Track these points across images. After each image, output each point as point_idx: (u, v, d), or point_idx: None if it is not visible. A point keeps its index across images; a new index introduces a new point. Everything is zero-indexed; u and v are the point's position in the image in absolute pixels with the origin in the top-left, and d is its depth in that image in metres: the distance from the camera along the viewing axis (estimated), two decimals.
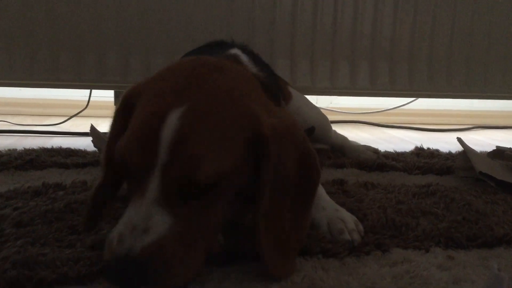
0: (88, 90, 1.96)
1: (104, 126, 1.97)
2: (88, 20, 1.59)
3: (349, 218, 0.81)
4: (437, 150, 1.57)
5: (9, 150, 1.37)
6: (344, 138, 1.55)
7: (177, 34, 1.61)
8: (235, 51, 1.03)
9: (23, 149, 1.38)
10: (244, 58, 1.00)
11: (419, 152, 1.55)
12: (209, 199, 0.62)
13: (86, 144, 1.53)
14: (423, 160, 1.40)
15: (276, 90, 1.04)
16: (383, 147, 1.63)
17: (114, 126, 0.71)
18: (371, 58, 1.73)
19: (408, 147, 1.67)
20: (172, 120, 0.60)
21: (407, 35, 1.73)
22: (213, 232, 0.65)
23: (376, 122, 2.39)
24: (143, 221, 0.57)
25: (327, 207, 0.83)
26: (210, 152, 0.60)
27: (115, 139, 0.66)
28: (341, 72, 1.73)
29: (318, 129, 1.39)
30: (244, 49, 1.07)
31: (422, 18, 1.73)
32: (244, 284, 0.65)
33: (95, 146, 1.23)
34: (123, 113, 0.69)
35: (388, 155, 1.49)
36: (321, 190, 0.89)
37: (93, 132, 1.24)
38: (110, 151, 0.69)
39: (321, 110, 1.53)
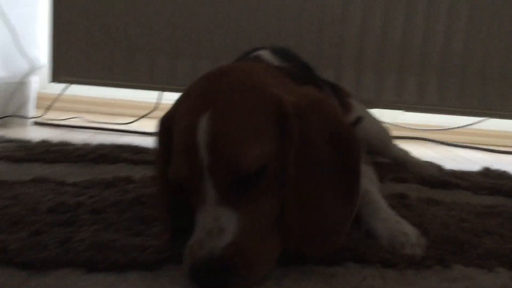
0: (158, 93, 2.05)
1: None
2: (162, 28, 1.67)
3: (411, 232, 0.80)
4: (505, 172, 1.51)
5: (84, 144, 1.46)
6: (406, 153, 1.53)
7: (245, 41, 1.66)
8: (259, 52, 1.08)
9: (97, 144, 1.46)
10: (266, 56, 1.04)
11: (486, 172, 1.50)
12: (260, 188, 0.64)
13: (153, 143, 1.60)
14: (490, 181, 1.36)
15: (307, 79, 1.00)
16: (448, 166, 1.59)
17: (160, 152, 0.75)
18: (441, 73, 1.69)
19: (474, 167, 1.62)
20: (203, 125, 0.64)
21: (480, 51, 1.68)
22: (274, 223, 0.66)
23: (442, 140, 2.33)
24: (214, 223, 0.62)
25: (388, 219, 0.83)
26: (245, 141, 0.63)
27: (163, 165, 0.72)
28: (408, 87, 1.71)
29: (378, 142, 1.38)
30: (274, 50, 1.10)
31: (496, 34, 1.67)
32: (303, 284, 0.66)
33: None
34: (163, 138, 0.74)
35: (453, 173, 1.45)
36: (382, 201, 0.89)
37: None
38: (163, 176, 0.72)
39: (385, 125, 1.52)
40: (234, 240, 0.60)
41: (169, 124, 0.73)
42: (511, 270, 0.76)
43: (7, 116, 1.90)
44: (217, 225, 0.61)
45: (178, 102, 0.74)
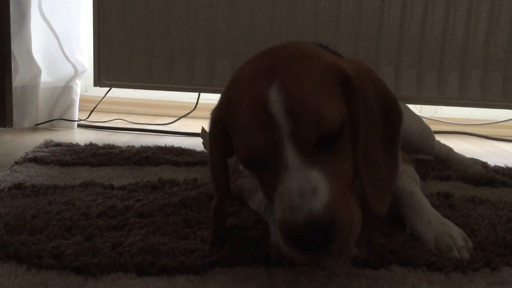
0: (197, 93, 2.08)
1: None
2: (201, 30, 1.70)
3: (458, 234, 0.79)
4: None
5: (128, 146, 1.50)
6: (449, 150, 1.50)
7: (284, 40, 1.66)
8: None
9: (140, 146, 1.51)
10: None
11: None
12: (340, 147, 0.65)
13: (194, 143, 1.63)
14: None
15: None
16: (492, 161, 1.55)
17: (214, 149, 0.75)
18: (483, 67, 1.65)
19: None
20: (274, 94, 0.63)
21: None
22: (353, 184, 0.68)
23: (485, 134, 2.27)
24: (305, 184, 0.58)
25: (433, 221, 0.82)
26: (323, 100, 0.63)
27: (218, 161, 0.75)
28: (449, 82, 1.67)
29: (419, 139, 1.36)
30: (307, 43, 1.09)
31: None
32: (347, 286, 0.67)
33: (205, 148, 1.31)
34: (218, 135, 0.74)
35: (498, 169, 1.41)
36: (426, 203, 0.88)
37: (204, 135, 1.33)
38: (218, 172, 0.75)
39: (425, 120, 1.50)
40: (331, 199, 0.57)
41: (222, 121, 0.73)
42: None
43: (54, 120, 1.98)
44: (309, 185, 0.58)
45: (228, 90, 0.73)
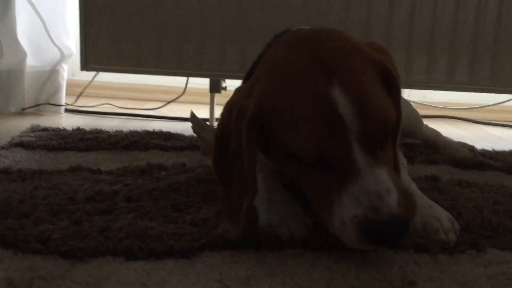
0: (186, 78, 2.07)
1: (198, 112, 2.08)
2: (189, 12, 1.67)
3: (445, 216, 0.79)
4: None
5: (116, 131, 1.49)
6: (437, 134, 1.51)
7: (274, 25, 1.65)
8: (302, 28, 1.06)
9: (128, 131, 1.49)
10: None
11: None
12: (386, 143, 0.69)
13: (183, 128, 1.62)
14: None
15: None
16: (479, 145, 1.56)
17: (251, 141, 0.71)
18: (472, 51, 1.65)
19: (507, 146, 1.59)
20: (340, 95, 0.64)
21: (510, 29, 1.63)
22: None
23: (474, 118, 2.28)
24: (381, 185, 0.63)
25: (420, 204, 0.82)
26: (382, 100, 0.67)
27: (254, 154, 0.71)
28: (438, 66, 1.67)
29: (408, 123, 1.36)
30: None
31: None
32: (334, 270, 0.67)
33: (194, 132, 1.31)
34: (256, 126, 0.71)
35: (485, 153, 1.43)
36: (413, 186, 0.89)
37: (193, 118, 1.32)
38: (254, 165, 0.71)
39: (413, 104, 1.50)
40: (399, 197, 0.63)
41: (262, 107, 0.70)
42: None
43: (40, 104, 1.95)
44: (384, 186, 0.63)
45: (272, 81, 0.71)
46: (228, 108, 0.76)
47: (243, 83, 1.00)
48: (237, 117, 0.72)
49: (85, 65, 1.75)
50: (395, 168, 0.75)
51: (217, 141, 0.77)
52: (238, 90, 0.79)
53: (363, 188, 0.63)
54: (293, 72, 0.70)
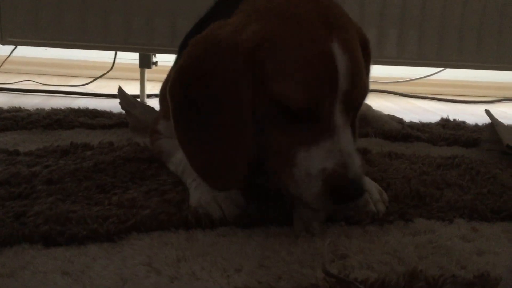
0: (113, 52, 1.97)
1: (128, 88, 1.98)
2: None
3: (374, 188, 0.81)
4: (463, 122, 1.55)
5: (37, 109, 1.40)
6: (368, 107, 1.53)
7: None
8: None
9: (51, 108, 1.40)
10: None
11: (445, 123, 1.53)
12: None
13: (111, 105, 1.55)
14: (449, 132, 1.39)
15: None
16: (408, 117, 1.61)
17: (245, 88, 0.66)
18: (400, 26, 1.68)
19: (434, 118, 1.65)
20: (339, 54, 0.65)
21: (438, 3, 1.67)
22: None
23: (402, 92, 2.36)
24: (351, 146, 0.66)
25: None
26: (365, 69, 0.70)
27: (250, 95, 0.66)
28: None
29: None
30: None
31: None
32: (267, 247, 0.66)
33: (122, 108, 1.24)
34: (251, 64, 0.66)
35: (413, 125, 1.47)
36: None
37: (121, 94, 1.25)
38: (246, 106, 0.66)
39: None
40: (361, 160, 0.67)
41: (259, 54, 0.66)
42: (470, 221, 0.78)
43: None
44: (353, 147, 0.66)
45: (268, 28, 0.67)
46: (207, 42, 0.69)
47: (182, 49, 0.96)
48: (229, 53, 0.66)
49: (1, 38, 1.61)
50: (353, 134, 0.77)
51: (184, 82, 0.69)
52: (218, 26, 0.71)
53: (338, 144, 0.65)
54: (294, 16, 0.67)
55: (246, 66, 0.66)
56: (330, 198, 0.64)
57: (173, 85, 0.70)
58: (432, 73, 2.33)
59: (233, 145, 0.67)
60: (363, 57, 0.72)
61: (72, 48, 1.69)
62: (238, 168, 0.68)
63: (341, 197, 0.64)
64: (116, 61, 2.02)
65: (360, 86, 0.67)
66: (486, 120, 1.43)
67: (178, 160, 0.88)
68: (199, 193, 0.76)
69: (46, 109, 1.40)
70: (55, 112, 1.36)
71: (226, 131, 0.67)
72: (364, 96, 0.70)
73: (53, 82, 2.08)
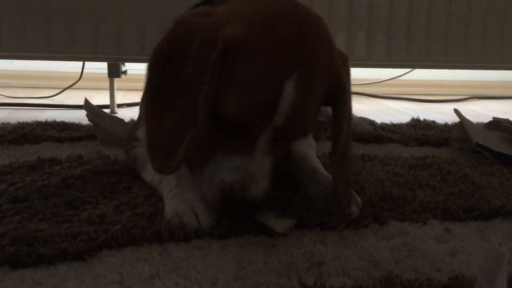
0: (81, 62, 1.93)
1: (98, 98, 1.95)
2: None
3: None
4: (433, 122, 1.57)
5: (3, 123, 1.35)
6: None
7: (172, 6, 1.58)
8: None
9: (16, 122, 1.36)
10: None
11: (415, 123, 1.55)
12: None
13: (80, 117, 1.51)
14: (419, 132, 1.40)
15: None
16: (379, 118, 1.63)
17: (212, 76, 0.66)
18: (368, 28, 1.70)
19: (404, 118, 1.67)
20: (289, 88, 0.66)
21: (405, 5, 1.70)
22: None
23: (372, 93, 2.38)
24: (259, 170, 0.69)
25: (324, 181, 0.83)
26: (313, 113, 0.71)
27: (213, 91, 0.67)
28: (336, 43, 1.70)
29: None
30: None
31: None
32: (242, 258, 0.65)
33: (90, 120, 1.22)
34: (222, 63, 0.66)
35: (384, 126, 1.49)
36: (319, 165, 0.89)
37: (87, 106, 1.23)
38: (208, 102, 0.66)
39: None
40: (267, 186, 0.71)
41: (233, 52, 0.66)
42: (444, 221, 0.79)
43: None
44: (261, 172, 0.69)
45: (244, 28, 0.67)
46: (188, 28, 0.70)
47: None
48: (205, 45, 0.67)
49: None
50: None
51: (160, 60, 0.70)
52: (204, 13, 0.72)
53: (244, 166, 0.68)
54: (270, 33, 0.67)
55: (215, 65, 0.66)
56: (222, 207, 0.71)
57: (152, 58, 0.72)
58: (401, 74, 2.37)
59: (182, 130, 0.68)
60: (338, 103, 0.77)
61: (37, 59, 1.66)
62: (178, 157, 0.68)
63: (232, 211, 0.71)
64: (85, 71, 1.98)
65: (296, 127, 0.69)
66: (455, 118, 1.45)
67: None
68: (175, 203, 0.75)
69: (11, 123, 1.35)
70: (21, 126, 1.32)
71: (182, 115, 0.69)
72: (300, 135, 0.74)
73: (20, 95, 2.03)
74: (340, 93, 0.75)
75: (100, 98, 2.01)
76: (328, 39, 0.74)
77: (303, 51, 0.68)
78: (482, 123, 1.45)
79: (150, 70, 0.71)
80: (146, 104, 0.72)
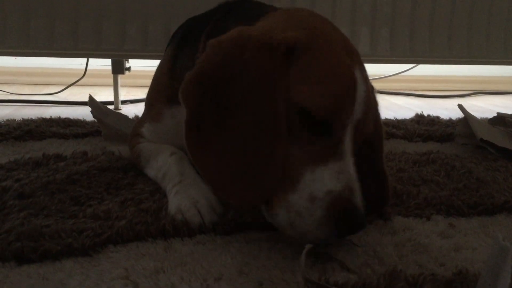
0: (85, 59, 1.94)
1: (102, 95, 1.96)
2: None
3: None
4: (437, 117, 1.57)
5: (8, 120, 1.36)
6: None
7: (175, 2, 1.58)
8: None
9: (21, 119, 1.37)
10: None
11: (419, 119, 1.54)
12: None
13: (84, 113, 1.52)
14: (423, 127, 1.40)
15: None
16: (383, 114, 1.60)
17: (281, 78, 0.63)
18: (371, 24, 1.69)
19: (408, 114, 1.66)
20: (360, 80, 0.67)
21: (409, 0, 1.69)
22: None
23: (376, 89, 2.37)
24: (354, 177, 0.63)
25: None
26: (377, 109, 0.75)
27: (285, 96, 0.63)
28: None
29: None
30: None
31: None
32: (246, 253, 0.65)
33: (94, 117, 1.22)
34: (284, 63, 0.63)
35: (388, 122, 1.48)
36: None
37: (92, 102, 1.23)
38: (283, 109, 0.62)
39: None
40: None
41: (295, 51, 0.64)
42: (448, 217, 0.79)
43: None
44: (355, 174, 0.64)
45: (296, 30, 0.67)
46: (235, 40, 0.65)
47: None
48: (262, 50, 0.63)
49: None
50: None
51: (202, 84, 0.64)
52: (244, 30, 0.67)
53: (345, 168, 0.63)
54: (322, 33, 0.69)
55: (283, 65, 0.62)
56: (334, 227, 0.59)
57: (190, 89, 0.65)
58: (405, 69, 2.36)
59: (266, 156, 0.61)
60: None
61: (41, 56, 1.65)
62: (271, 182, 0.61)
63: (346, 225, 0.60)
64: (89, 67, 1.98)
65: (371, 117, 0.69)
66: (459, 114, 1.45)
67: (159, 164, 0.87)
68: (178, 200, 0.75)
69: (16, 120, 1.36)
70: (26, 122, 1.33)
71: (259, 140, 0.61)
72: (371, 130, 0.70)
73: (25, 91, 2.04)
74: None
75: (104, 95, 2.02)
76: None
77: (350, 48, 0.70)
78: (486, 118, 1.45)
79: (189, 101, 0.64)
80: (190, 140, 0.64)
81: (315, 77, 0.64)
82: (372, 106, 0.70)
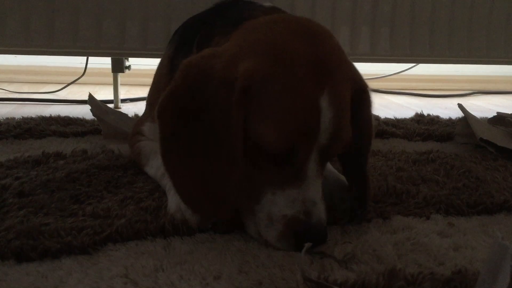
0: (85, 57, 1.93)
1: (102, 93, 1.96)
2: None
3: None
4: (437, 117, 1.57)
5: (8, 118, 1.36)
6: None
7: (175, 1, 1.57)
8: (267, 3, 0.97)
9: (21, 117, 1.37)
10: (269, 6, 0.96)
11: (419, 118, 1.54)
12: None
13: (84, 112, 1.52)
14: (423, 127, 1.40)
15: None
16: (383, 113, 1.63)
17: (238, 114, 0.64)
18: (372, 23, 1.69)
19: (408, 113, 1.66)
20: (324, 107, 0.65)
21: (408, 1, 1.69)
22: None
23: (376, 88, 2.38)
24: (317, 195, 0.67)
25: (328, 176, 0.83)
26: (348, 127, 0.69)
27: (242, 128, 0.65)
28: (340, 38, 1.70)
29: None
30: None
31: None
32: (246, 251, 0.65)
33: (94, 115, 1.22)
34: (244, 101, 0.64)
35: (388, 121, 1.48)
36: (330, 167, 0.89)
37: (92, 101, 1.23)
38: (240, 139, 0.65)
39: None
40: (325, 205, 0.68)
41: (253, 89, 0.64)
42: (447, 216, 0.79)
43: None
44: (319, 196, 0.67)
45: (265, 65, 0.65)
46: (200, 73, 0.67)
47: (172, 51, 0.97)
48: (222, 87, 0.65)
49: None
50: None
51: (175, 110, 0.68)
52: (212, 55, 0.69)
53: (302, 195, 0.66)
54: (287, 58, 0.65)
55: (239, 103, 0.64)
56: (293, 241, 0.65)
57: (163, 110, 0.69)
58: (405, 68, 2.36)
59: (225, 178, 0.66)
60: (360, 105, 0.73)
61: (41, 54, 1.65)
62: (229, 200, 0.67)
63: (303, 241, 0.63)
64: (88, 66, 1.98)
65: (340, 140, 0.67)
66: (459, 113, 1.45)
67: (158, 163, 0.87)
68: (178, 198, 0.75)
69: (16, 118, 1.36)
70: (25, 120, 1.33)
71: (216, 159, 0.66)
72: (344, 147, 0.69)
73: (24, 90, 2.04)
74: (361, 93, 0.74)
75: (104, 93, 2.02)
76: (339, 47, 0.72)
77: (324, 66, 0.67)
78: (486, 118, 1.45)
79: (163, 120, 0.69)
80: (164, 159, 0.69)
81: (272, 114, 0.64)
82: (342, 126, 0.67)
